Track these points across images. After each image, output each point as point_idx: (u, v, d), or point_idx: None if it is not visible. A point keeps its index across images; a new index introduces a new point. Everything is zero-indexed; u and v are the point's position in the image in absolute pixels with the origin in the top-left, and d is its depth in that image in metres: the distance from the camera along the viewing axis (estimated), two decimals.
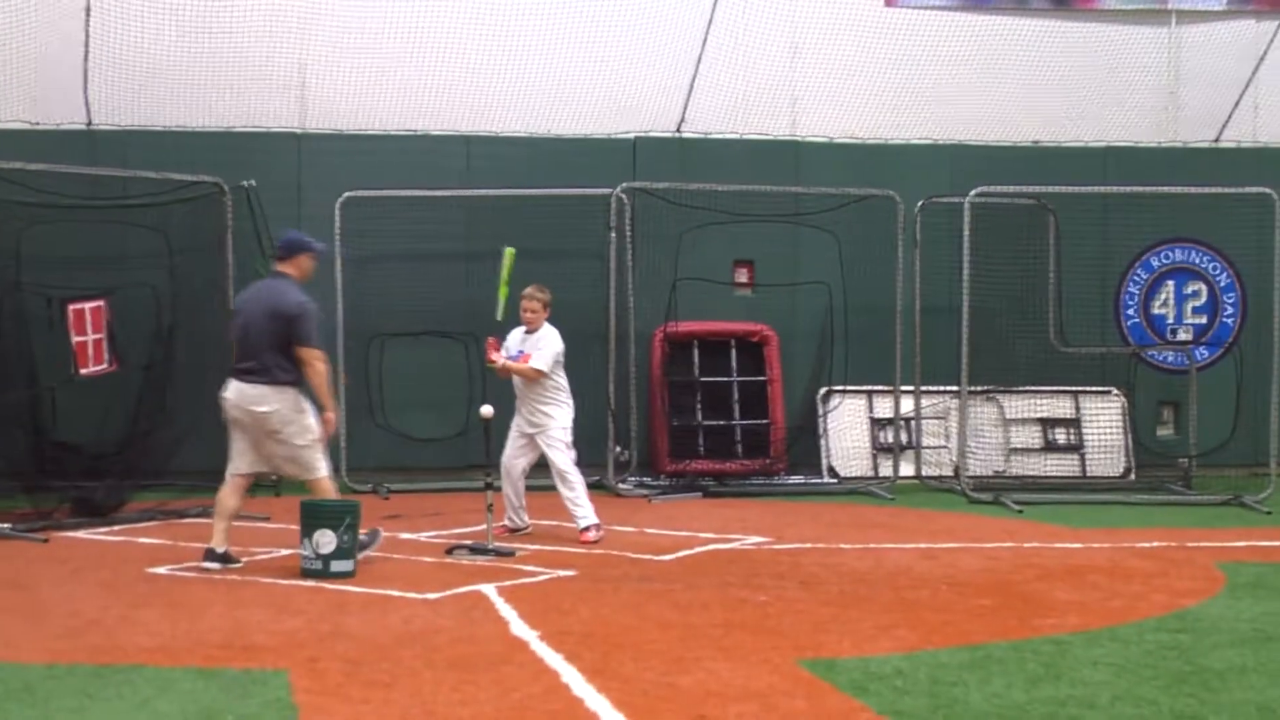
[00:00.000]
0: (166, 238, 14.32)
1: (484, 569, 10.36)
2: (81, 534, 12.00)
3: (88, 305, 13.95)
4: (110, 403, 13.94)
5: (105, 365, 14.01)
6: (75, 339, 13.84)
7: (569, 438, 11.77)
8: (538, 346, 11.69)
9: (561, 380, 11.78)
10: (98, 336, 13.96)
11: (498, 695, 6.86)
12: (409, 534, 12.10)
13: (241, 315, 10.49)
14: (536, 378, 11.62)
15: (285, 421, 10.18)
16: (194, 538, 10.86)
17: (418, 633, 8.23)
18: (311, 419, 10.26)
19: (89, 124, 15.17)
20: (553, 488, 11.84)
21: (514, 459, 11.87)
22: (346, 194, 14.93)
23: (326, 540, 9.84)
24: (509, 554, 10.87)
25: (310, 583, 9.73)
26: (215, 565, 10.22)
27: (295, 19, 15.24)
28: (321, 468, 10.37)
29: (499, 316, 11.81)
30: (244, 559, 10.47)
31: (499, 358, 11.72)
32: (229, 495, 10.39)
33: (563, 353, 11.73)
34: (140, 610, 8.84)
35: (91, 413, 13.86)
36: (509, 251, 11.91)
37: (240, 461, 10.43)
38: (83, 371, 13.89)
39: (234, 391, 10.25)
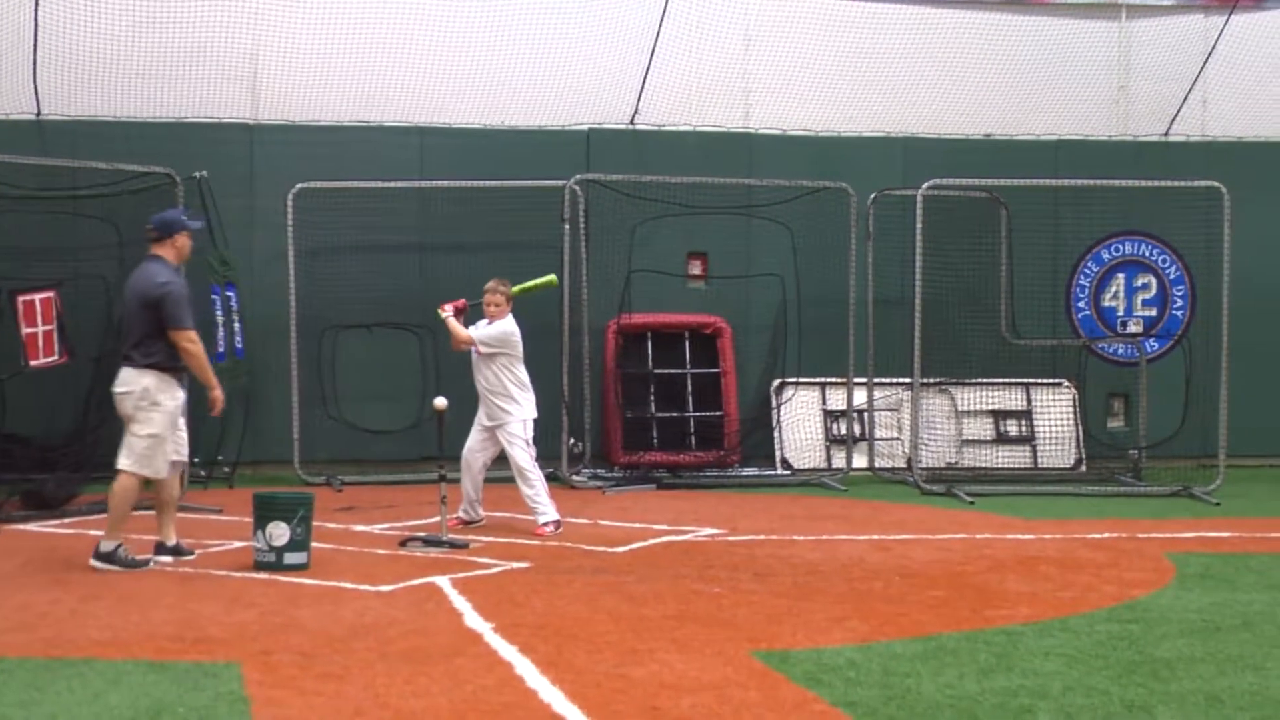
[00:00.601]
0: (117, 229, 14.21)
1: (438, 561, 10.35)
2: (31, 527, 11.92)
3: (38, 296, 13.84)
4: (61, 395, 13.85)
5: (56, 357, 13.90)
6: (25, 330, 13.72)
7: (529, 434, 11.75)
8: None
9: (521, 375, 11.76)
10: (48, 328, 13.85)
11: (451, 687, 6.86)
12: (362, 526, 12.07)
13: (123, 302, 10.37)
14: (468, 345, 11.66)
15: (135, 406, 9.98)
16: (145, 530, 10.77)
17: (371, 625, 8.21)
18: (161, 415, 9.99)
19: (38, 114, 15.02)
20: (509, 480, 11.84)
21: (475, 453, 11.85)
22: (299, 185, 14.86)
23: (280, 532, 9.80)
24: (463, 546, 10.85)
25: (263, 575, 9.68)
26: (167, 558, 10.18)
27: (247, 9, 15.14)
28: (150, 467, 10.04)
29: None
30: (196, 551, 10.41)
31: (449, 309, 11.79)
32: (161, 487, 10.29)
33: (518, 345, 11.71)
34: (91, 603, 8.78)
35: (42, 405, 13.77)
36: (552, 277, 12.39)
37: None
38: (33, 363, 13.79)
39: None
